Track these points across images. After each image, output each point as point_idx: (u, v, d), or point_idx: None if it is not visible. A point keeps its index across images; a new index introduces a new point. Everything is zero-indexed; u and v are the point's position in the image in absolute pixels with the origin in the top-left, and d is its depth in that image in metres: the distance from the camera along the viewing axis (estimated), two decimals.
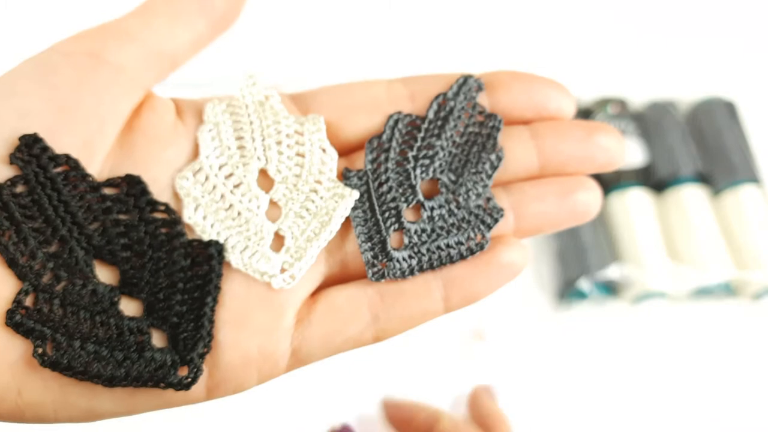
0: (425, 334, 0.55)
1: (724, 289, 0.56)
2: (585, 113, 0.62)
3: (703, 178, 0.58)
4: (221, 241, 0.25)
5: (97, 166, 0.24)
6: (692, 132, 0.60)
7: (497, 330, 0.55)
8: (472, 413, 0.36)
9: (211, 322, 0.24)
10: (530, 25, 0.68)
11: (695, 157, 0.59)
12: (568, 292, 0.55)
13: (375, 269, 0.25)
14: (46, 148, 0.23)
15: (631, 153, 0.59)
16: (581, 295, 0.55)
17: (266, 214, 0.26)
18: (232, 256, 0.25)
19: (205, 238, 0.25)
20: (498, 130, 0.27)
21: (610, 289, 0.56)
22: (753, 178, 0.58)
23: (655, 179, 0.58)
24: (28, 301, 0.22)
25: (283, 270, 0.25)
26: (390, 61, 0.63)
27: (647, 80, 0.65)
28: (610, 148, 0.27)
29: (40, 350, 0.22)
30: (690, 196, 0.57)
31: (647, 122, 0.60)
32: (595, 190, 0.26)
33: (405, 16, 0.66)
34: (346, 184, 0.26)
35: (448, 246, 0.26)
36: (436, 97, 0.27)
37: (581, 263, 0.55)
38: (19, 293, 0.22)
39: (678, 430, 0.52)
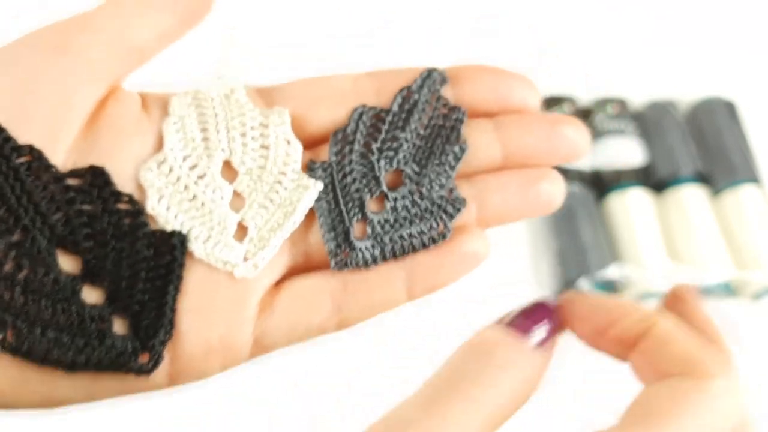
0: (425, 332, 0.55)
1: (724, 289, 0.56)
2: (585, 113, 0.62)
3: (703, 178, 0.58)
4: (184, 231, 0.25)
5: (61, 157, 0.24)
6: (692, 132, 0.60)
7: None
8: (682, 315, 0.28)
9: (173, 310, 0.24)
10: (530, 25, 0.68)
11: (695, 157, 0.59)
12: (568, 292, 0.55)
13: (338, 258, 0.26)
14: (8, 139, 0.23)
15: (631, 153, 0.59)
16: None
17: (230, 204, 0.26)
18: (195, 246, 0.25)
19: (169, 228, 0.25)
20: (461, 122, 0.27)
21: (610, 289, 0.56)
22: (753, 178, 0.58)
23: (655, 179, 0.58)
24: None
25: (245, 259, 0.25)
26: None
27: (647, 80, 0.65)
28: (575, 140, 0.27)
29: (0, 336, 0.22)
30: (690, 196, 0.57)
31: (647, 122, 0.60)
32: (558, 181, 0.27)
33: (400, 13, 0.66)
34: (310, 176, 0.26)
35: (410, 235, 0.26)
36: (401, 90, 0.27)
37: (581, 263, 0.55)
38: None
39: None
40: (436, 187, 0.26)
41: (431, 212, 0.26)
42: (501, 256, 0.62)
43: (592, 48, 0.67)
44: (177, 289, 0.24)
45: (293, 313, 0.25)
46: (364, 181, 0.27)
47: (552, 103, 0.60)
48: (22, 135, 0.24)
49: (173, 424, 0.51)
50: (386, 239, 0.26)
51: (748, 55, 0.66)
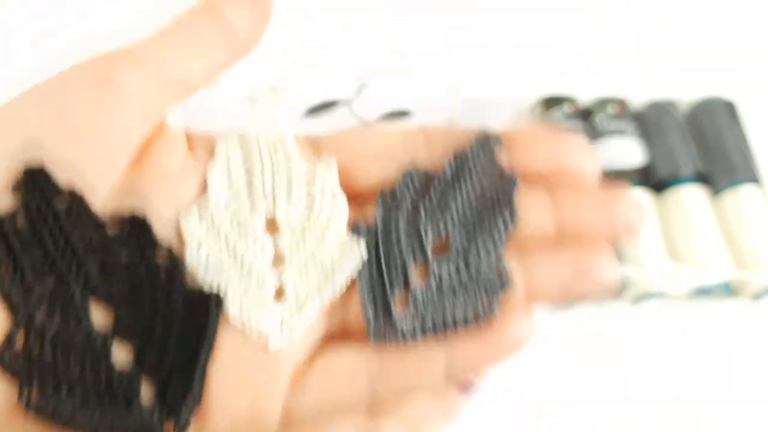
0: None
1: (724, 289, 0.56)
2: (585, 113, 0.62)
3: (703, 178, 0.58)
4: (221, 285, 0.24)
5: (102, 196, 0.23)
6: (692, 132, 0.60)
7: None
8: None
9: (203, 377, 0.23)
10: (531, 26, 0.68)
11: (695, 157, 0.59)
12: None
13: (376, 330, 0.24)
14: (51, 180, 0.22)
15: (631, 153, 0.59)
16: None
17: (271, 262, 0.24)
18: (230, 309, 0.24)
19: (206, 281, 0.24)
20: (514, 190, 0.25)
21: None
22: (753, 178, 0.58)
23: (654, 179, 0.58)
24: (19, 340, 0.22)
25: (281, 324, 0.24)
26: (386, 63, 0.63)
27: (647, 80, 0.65)
28: (630, 219, 0.26)
29: (26, 394, 0.21)
30: (690, 196, 0.57)
31: (647, 122, 0.60)
32: (611, 258, 0.25)
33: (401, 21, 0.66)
34: (354, 237, 0.25)
35: (453, 308, 0.24)
36: (455, 153, 0.26)
37: None
38: (11, 329, 0.21)
39: (678, 429, 0.52)
40: (484, 258, 0.25)
41: (476, 285, 0.25)
42: None
43: (592, 48, 0.67)
44: (209, 356, 0.23)
45: (326, 391, 0.24)
46: (410, 248, 0.25)
47: (552, 103, 0.60)
48: (66, 171, 0.22)
49: None
50: (428, 312, 0.24)
51: (748, 55, 0.66)
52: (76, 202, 0.23)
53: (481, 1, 0.69)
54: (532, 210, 0.25)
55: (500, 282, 0.25)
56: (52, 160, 0.22)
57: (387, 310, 0.24)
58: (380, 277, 0.25)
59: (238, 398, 0.23)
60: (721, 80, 0.65)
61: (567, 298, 0.26)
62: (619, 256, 0.57)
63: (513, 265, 0.25)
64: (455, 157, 0.26)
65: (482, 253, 0.25)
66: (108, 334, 0.23)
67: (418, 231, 0.25)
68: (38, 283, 0.22)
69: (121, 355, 0.23)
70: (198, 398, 0.23)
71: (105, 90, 0.23)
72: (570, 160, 0.26)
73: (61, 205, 0.22)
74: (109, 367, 0.22)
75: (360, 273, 0.25)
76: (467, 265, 0.25)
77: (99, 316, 0.23)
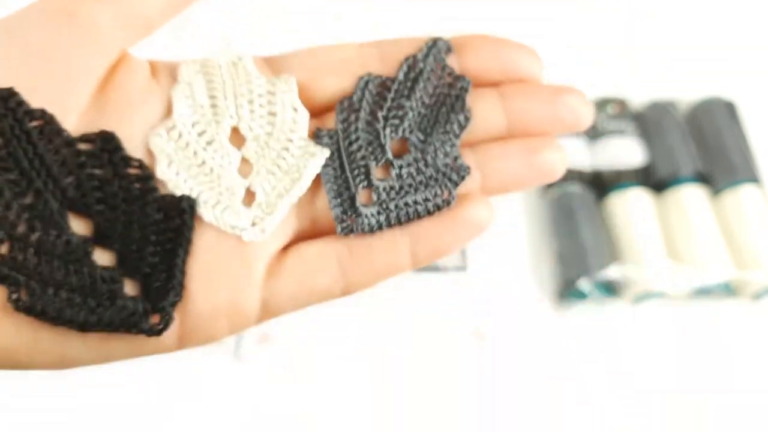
0: (425, 332, 0.55)
1: (724, 289, 0.56)
2: None
3: (703, 178, 0.58)
4: (194, 196, 0.25)
5: (72, 124, 0.25)
6: (692, 132, 0.60)
7: (497, 330, 0.55)
8: None
9: (182, 272, 0.24)
10: (531, 25, 0.68)
11: (695, 157, 0.59)
12: (568, 292, 0.55)
13: (344, 224, 0.26)
14: (21, 103, 0.24)
15: (631, 153, 0.59)
16: (581, 295, 0.55)
17: (238, 170, 0.26)
18: (204, 211, 0.25)
19: (178, 193, 0.25)
20: (466, 91, 0.27)
21: (610, 289, 0.56)
22: (753, 178, 0.58)
23: (655, 179, 0.58)
24: (3, 249, 0.23)
25: (254, 224, 0.25)
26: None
27: (647, 80, 0.65)
28: (578, 109, 0.27)
29: (14, 296, 0.23)
30: (690, 196, 0.57)
31: (647, 122, 0.60)
32: (560, 150, 0.27)
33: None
34: (317, 143, 0.27)
35: (415, 202, 0.26)
36: (406, 59, 0.28)
37: (581, 263, 0.55)
38: None
39: (678, 429, 0.52)
40: (441, 156, 0.27)
41: (436, 180, 0.27)
42: (501, 256, 0.62)
43: (592, 48, 0.67)
44: (186, 252, 0.25)
45: (300, 277, 0.25)
46: (370, 149, 0.27)
47: None
48: (34, 100, 0.24)
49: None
50: (391, 206, 0.26)
51: (748, 55, 0.66)
52: (47, 122, 0.24)
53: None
54: (484, 109, 0.27)
55: (457, 174, 0.26)
56: (19, 87, 0.24)
57: (353, 206, 0.26)
58: (344, 177, 0.27)
59: (218, 291, 0.25)
60: (721, 80, 0.65)
61: (520, 187, 0.27)
62: (619, 256, 0.57)
63: (468, 159, 0.27)
64: (408, 64, 0.28)
65: (439, 151, 0.27)
66: (88, 241, 0.24)
67: (377, 133, 0.27)
68: (17, 199, 0.24)
69: (102, 259, 0.24)
70: (179, 292, 0.24)
71: (67, 23, 0.25)
72: (518, 63, 0.27)
73: (33, 125, 0.24)
74: (92, 269, 0.24)
75: (325, 174, 0.27)
76: (425, 162, 0.27)
77: (79, 228, 0.25)
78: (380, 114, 0.27)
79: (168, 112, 0.26)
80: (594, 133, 0.60)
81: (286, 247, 0.26)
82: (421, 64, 0.28)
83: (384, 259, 0.26)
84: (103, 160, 0.25)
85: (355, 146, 0.27)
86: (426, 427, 0.52)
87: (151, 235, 0.25)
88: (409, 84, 0.28)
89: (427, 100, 0.28)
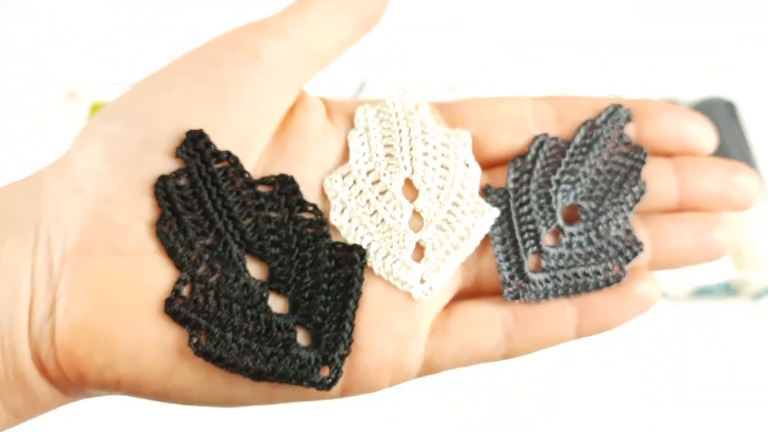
0: None
1: (724, 289, 0.56)
2: None
3: None
4: (364, 245, 0.26)
5: (252, 163, 0.25)
6: None
7: None
8: None
9: (352, 324, 0.24)
10: (531, 26, 0.68)
11: None
12: None
13: (511, 289, 0.26)
14: (209, 144, 0.24)
15: None
16: None
17: (409, 223, 0.26)
18: (374, 262, 0.25)
19: (349, 241, 0.26)
20: (643, 162, 0.27)
21: None
22: None
23: None
24: (185, 291, 0.23)
25: (422, 280, 0.25)
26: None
27: (648, 80, 0.65)
28: (748, 189, 0.27)
29: (195, 340, 0.23)
30: None
31: None
32: (729, 229, 0.27)
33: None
34: (486, 201, 0.27)
35: (585, 274, 0.26)
36: (584, 123, 0.27)
37: None
38: (177, 282, 0.23)
39: (678, 430, 0.52)
40: (613, 227, 0.26)
41: (607, 252, 0.26)
42: None
43: (593, 48, 0.67)
44: (357, 304, 0.25)
45: (464, 339, 0.25)
46: (541, 213, 0.27)
47: None
48: (218, 140, 0.24)
49: None
50: (560, 275, 0.26)
51: (748, 55, 0.66)
52: (232, 164, 0.24)
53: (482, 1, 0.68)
54: (658, 180, 0.27)
55: (630, 249, 0.26)
56: (207, 125, 0.24)
57: (521, 270, 0.26)
58: (513, 240, 0.26)
59: (385, 345, 0.25)
60: (721, 80, 0.65)
61: (687, 263, 0.27)
62: None
63: (639, 231, 0.27)
64: (586, 129, 0.27)
65: (611, 222, 0.26)
66: (265, 286, 0.24)
67: (548, 197, 0.27)
68: (199, 239, 0.24)
69: (275, 306, 0.24)
70: (349, 345, 0.24)
71: (253, 62, 0.25)
72: (692, 135, 0.27)
73: (218, 167, 0.24)
74: (268, 315, 0.24)
75: (494, 235, 0.26)
76: (597, 233, 0.26)
77: (253, 270, 0.25)
78: (553, 177, 0.27)
79: (343, 154, 0.26)
80: None
81: (449, 304, 0.26)
82: (599, 131, 0.27)
83: (549, 328, 0.26)
84: (279, 203, 0.25)
85: (525, 208, 0.27)
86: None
87: (322, 282, 0.25)
88: (584, 149, 0.27)
89: (601, 168, 0.27)
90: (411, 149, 0.27)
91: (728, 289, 0.56)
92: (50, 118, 0.59)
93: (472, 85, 0.62)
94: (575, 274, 0.26)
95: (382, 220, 0.26)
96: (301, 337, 0.24)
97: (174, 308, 0.23)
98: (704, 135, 0.27)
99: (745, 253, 0.55)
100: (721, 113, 0.60)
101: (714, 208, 0.27)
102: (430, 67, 0.64)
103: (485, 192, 0.27)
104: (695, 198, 0.27)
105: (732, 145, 0.59)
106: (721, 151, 0.59)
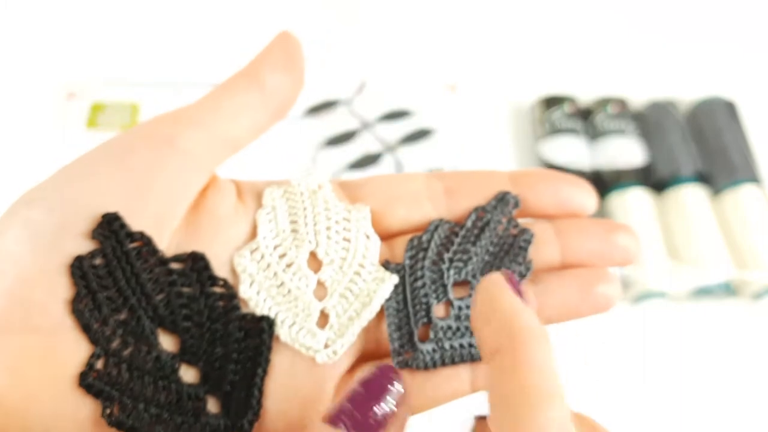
0: None
1: (724, 289, 0.56)
2: (585, 113, 0.62)
3: (703, 178, 0.58)
4: (272, 315, 0.27)
5: (166, 242, 0.26)
6: (692, 132, 0.61)
7: None
8: None
9: (261, 391, 0.26)
10: (531, 25, 0.68)
11: (695, 157, 0.59)
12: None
13: (400, 358, 0.27)
14: (123, 225, 0.25)
15: (631, 153, 0.59)
16: None
17: (314, 293, 0.28)
18: (281, 331, 0.27)
19: (258, 312, 0.27)
20: (529, 243, 0.29)
21: None
22: (753, 178, 0.58)
23: (655, 179, 0.58)
24: (99, 365, 0.24)
25: (326, 345, 0.27)
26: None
27: (647, 80, 0.65)
28: (628, 247, 0.29)
29: (108, 411, 0.24)
30: (690, 195, 0.57)
31: (647, 122, 0.61)
32: (614, 282, 0.29)
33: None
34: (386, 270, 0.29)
35: (470, 345, 0.27)
36: (475, 209, 0.29)
37: None
38: (91, 357, 0.24)
39: (678, 429, 0.52)
40: None
41: None
42: None
43: (592, 48, 0.67)
44: (265, 372, 0.26)
45: None
46: (433, 287, 0.28)
47: (552, 102, 0.60)
48: (135, 221, 0.26)
49: None
50: (446, 345, 0.28)
51: (748, 55, 0.67)
52: (145, 243, 0.26)
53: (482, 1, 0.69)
54: (541, 242, 0.29)
55: None
56: (123, 208, 0.26)
57: (411, 340, 0.28)
58: (406, 311, 0.28)
59: (291, 409, 0.26)
60: (721, 80, 0.65)
61: (575, 317, 0.29)
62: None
63: (529, 291, 0.28)
64: (476, 214, 0.29)
65: None
66: (176, 358, 0.26)
67: (441, 273, 0.29)
68: (113, 315, 0.25)
69: (187, 376, 0.26)
70: (257, 411, 0.26)
71: (167, 149, 0.26)
72: (573, 199, 0.30)
73: (132, 246, 0.26)
74: (179, 386, 0.25)
75: (387, 308, 0.28)
76: None
77: (166, 343, 0.26)
78: (446, 255, 0.29)
79: (252, 231, 0.28)
80: (594, 133, 0.60)
81: (353, 366, 0.28)
82: (488, 216, 0.29)
83: (444, 388, 0.27)
84: (191, 279, 0.26)
85: (419, 283, 0.28)
86: None
87: (232, 352, 0.26)
88: (476, 231, 0.29)
89: (491, 248, 0.29)
90: (315, 224, 0.29)
91: (728, 289, 0.56)
92: (50, 118, 0.59)
93: (471, 84, 0.62)
94: (461, 345, 0.27)
95: (289, 291, 0.28)
96: (212, 405, 0.26)
97: (88, 381, 0.24)
98: (584, 197, 0.29)
99: (745, 253, 0.55)
100: (721, 113, 0.60)
101: (597, 266, 0.29)
102: (429, 66, 0.64)
103: (385, 266, 0.29)
104: (578, 258, 0.29)
105: (732, 145, 0.59)
106: (722, 151, 0.59)
